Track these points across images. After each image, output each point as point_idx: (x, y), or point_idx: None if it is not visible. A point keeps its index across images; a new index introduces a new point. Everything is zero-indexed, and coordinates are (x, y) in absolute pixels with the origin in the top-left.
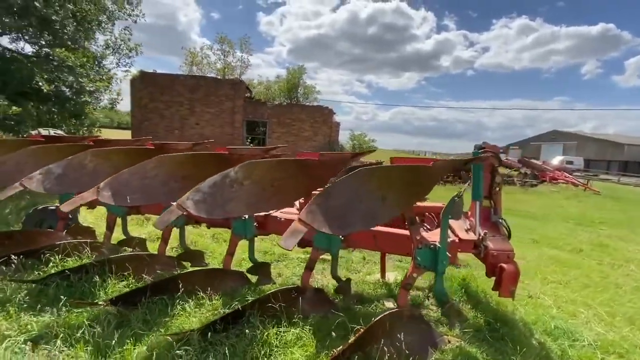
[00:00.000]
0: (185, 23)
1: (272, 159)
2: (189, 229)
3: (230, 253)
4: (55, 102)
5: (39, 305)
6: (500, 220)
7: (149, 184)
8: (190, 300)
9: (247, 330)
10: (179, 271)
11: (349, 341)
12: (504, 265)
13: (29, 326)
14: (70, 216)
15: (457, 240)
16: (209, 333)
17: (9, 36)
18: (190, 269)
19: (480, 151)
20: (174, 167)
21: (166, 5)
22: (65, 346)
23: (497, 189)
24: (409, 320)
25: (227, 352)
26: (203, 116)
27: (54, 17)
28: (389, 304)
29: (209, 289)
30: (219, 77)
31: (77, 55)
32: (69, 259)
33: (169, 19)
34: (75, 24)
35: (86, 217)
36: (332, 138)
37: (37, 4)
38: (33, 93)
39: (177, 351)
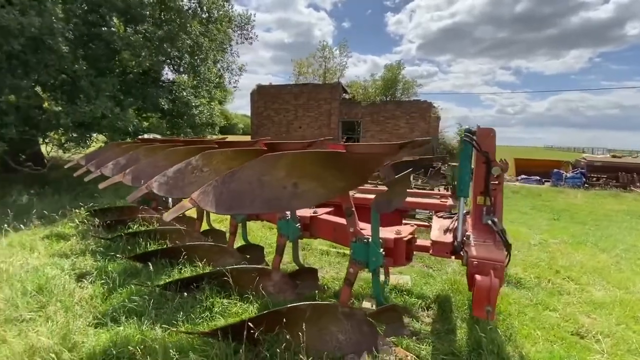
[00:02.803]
0: (319, 36)
1: (228, 149)
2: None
3: (232, 233)
4: (175, 115)
5: (96, 255)
6: (490, 223)
7: (157, 172)
8: (187, 266)
9: (196, 295)
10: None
11: (255, 315)
12: (478, 277)
13: (87, 267)
14: (164, 199)
15: (404, 238)
16: (167, 291)
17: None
18: (196, 243)
19: (466, 137)
20: (178, 157)
21: (303, 24)
22: (91, 282)
23: (496, 183)
24: (346, 318)
25: (175, 308)
26: (304, 120)
27: (175, 54)
28: (367, 304)
29: (204, 260)
30: (318, 83)
31: (189, 81)
32: (141, 227)
33: (306, 36)
34: (191, 54)
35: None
36: (431, 133)
37: (168, 47)
38: (158, 110)
39: (136, 297)
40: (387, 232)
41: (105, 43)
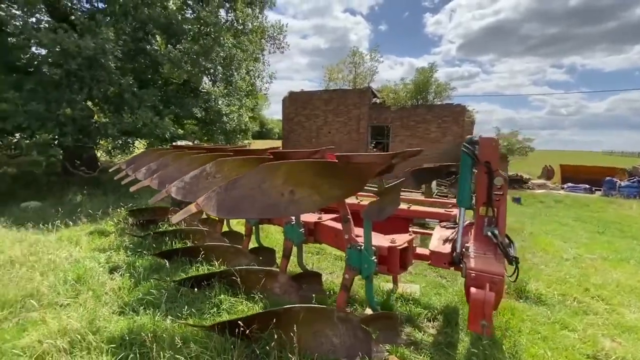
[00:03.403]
0: (355, 41)
1: (239, 157)
2: None
3: (247, 235)
4: (209, 123)
5: (129, 251)
6: (490, 234)
7: (180, 177)
8: (205, 264)
9: (206, 292)
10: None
11: (243, 315)
12: (473, 289)
13: (119, 261)
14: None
15: (399, 247)
16: (182, 286)
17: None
18: (213, 243)
19: (464, 147)
20: (199, 164)
21: (340, 29)
22: (121, 275)
23: (500, 194)
24: (342, 323)
25: (187, 302)
26: (334, 125)
27: (209, 66)
28: (369, 311)
29: (220, 259)
30: (348, 88)
31: (221, 90)
32: (169, 227)
33: (342, 41)
34: (224, 65)
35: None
36: (465, 138)
37: (202, 61)
38: (193, 118)
39: (154, 290)
40: (383, 240)
41: (150, 57)
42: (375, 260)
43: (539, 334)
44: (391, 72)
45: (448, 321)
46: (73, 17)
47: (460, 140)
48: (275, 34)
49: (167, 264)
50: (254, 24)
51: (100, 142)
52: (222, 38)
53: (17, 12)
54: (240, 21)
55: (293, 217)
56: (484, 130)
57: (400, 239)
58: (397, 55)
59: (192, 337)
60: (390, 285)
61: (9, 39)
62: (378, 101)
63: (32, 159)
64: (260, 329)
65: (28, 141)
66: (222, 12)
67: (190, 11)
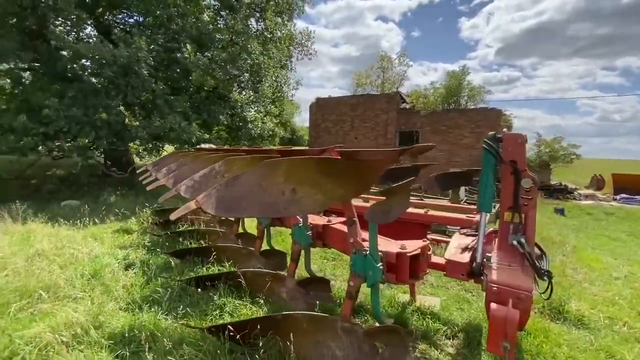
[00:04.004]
0: (387, 48)
1: (246, 156)
2: None
3: (259, 237)
4: (234, 129)
5: (146, 249)
6: (516, 243)
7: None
8: (215, 265)
9: (210, 293)
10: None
11: (244, 318)
12: (493, 305)
13: (136, 258)
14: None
15: (408, 254)
16: (189, 286)
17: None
18: (225, 244)
19: (485, 144)
20: (213, 163)
21: (371, 36)
22: (134, 270)
23: (529, 197)
24: (346, 334)
25: (191, 302)
26: (360, 130)
27: (236, 72)
28: (376, 322)
29: (231, 260)
30: (376, 93)
31: (246, 97)
32: (189, 227)
33: (373, 48)
34: (252, 72)
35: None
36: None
37: (230, 68)
38: (220, 124)
39: (160, 289)
40: (392, 246)
41: (182, 66)
42: (382, 267)
43: None
44: (425, 78)
45: (469, 340)
46: (116, 31)
47: None
48: (303, 41)
49: (176, 263)
50: (283, 32)
51: (131, 145)
52: (249, 46)
53: (69, 28)
54: (270, 29)
55: (301, 219)
56: None
57: (412, 245)
58: (430, 61)
59: (188, 339)
60: (407, 297)
61: (61, 52)
62: (407, 106)
63: (74, 160)
64: (258, 334)
65: (69, 144)
66: (252, 21)
67: (223, 21)
